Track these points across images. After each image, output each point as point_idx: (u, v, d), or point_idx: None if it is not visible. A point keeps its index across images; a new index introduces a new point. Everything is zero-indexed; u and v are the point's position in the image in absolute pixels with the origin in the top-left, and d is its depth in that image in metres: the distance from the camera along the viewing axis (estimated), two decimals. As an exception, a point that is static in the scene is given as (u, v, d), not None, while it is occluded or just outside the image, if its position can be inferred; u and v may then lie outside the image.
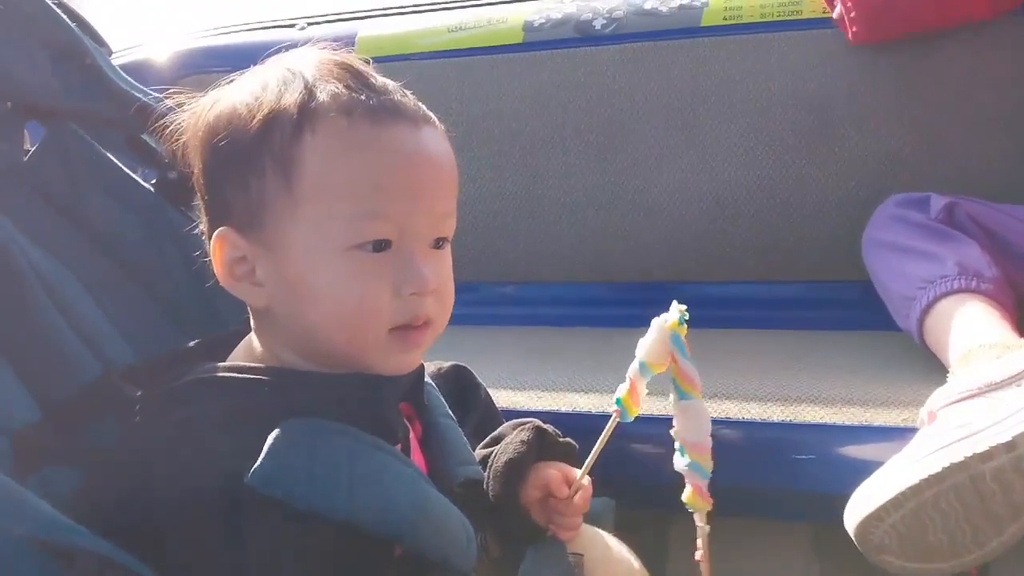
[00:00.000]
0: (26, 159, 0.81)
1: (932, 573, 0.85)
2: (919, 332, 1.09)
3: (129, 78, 0.85)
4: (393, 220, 0.62)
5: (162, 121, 0.69)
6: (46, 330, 0.69)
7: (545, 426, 0.80)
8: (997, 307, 1.03)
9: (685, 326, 0.69)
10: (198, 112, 0.66)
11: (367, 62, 0.67)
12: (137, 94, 0.84)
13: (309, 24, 1.61)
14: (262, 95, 0.63)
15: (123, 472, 0.63)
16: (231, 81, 0.67)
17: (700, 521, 0.71)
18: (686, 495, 0.70)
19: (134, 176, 0.85)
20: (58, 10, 0.81)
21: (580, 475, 0.76)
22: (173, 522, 0.58)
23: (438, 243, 0.66)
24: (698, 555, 0.71)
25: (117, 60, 0.87)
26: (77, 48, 0.81)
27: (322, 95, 0.62)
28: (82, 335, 0.71)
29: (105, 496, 0.62)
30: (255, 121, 0.62)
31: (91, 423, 0.67)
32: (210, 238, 0.65)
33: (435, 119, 0.67)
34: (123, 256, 0.81)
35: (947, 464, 0.80)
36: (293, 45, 0.69)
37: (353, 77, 0.64)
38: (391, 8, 1.62)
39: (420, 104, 0.66)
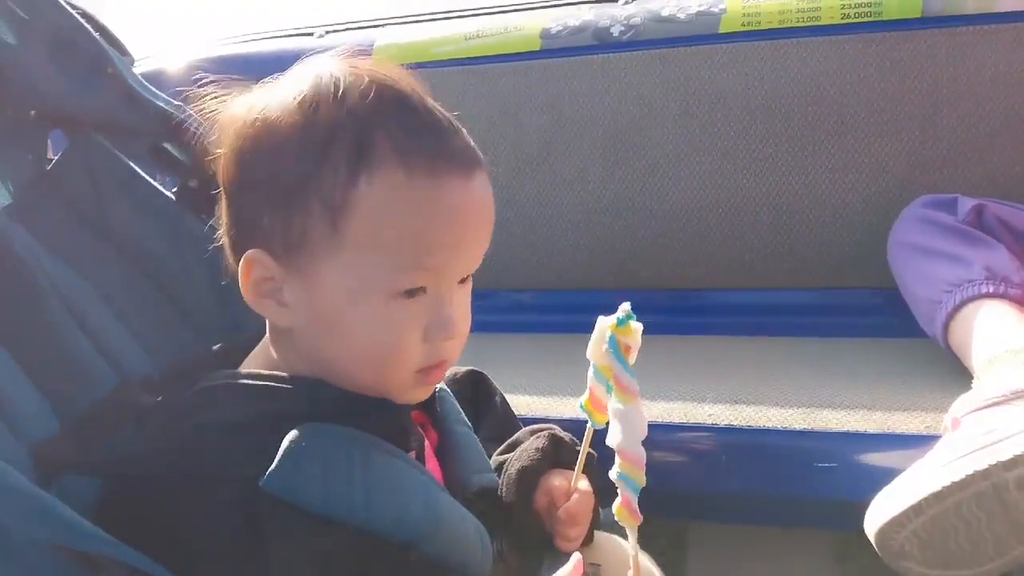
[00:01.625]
0: (48, 168, 0.82)
1: (954, 581, 0.84)
2: (944, 336, 1.08)
3: (151, 87, 0.86)
4: (433, 270, 0.62)
5: (192, 125, 0.68)
6: (63, 342, 0.70)
7: (562, 434, 0.80)
8: (1024, 313, 1.02)
9: (631, 328, 0.63)
10: (235, 123, 0.63)
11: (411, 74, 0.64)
12: (160, 103, 0.85)
13: (327, 32, 1.62)
14: (310, 125, 0.60)
15: (141, 479, 0.63)
16: (264, 85, 0.64)
17: (632, 537, 0.65)
18: (615, 506, 0.66)
19: (156, 185, 0.85)
20: (81, 19, 0.82)
21: (571, 487, 0.75)
22: (192, 528, 0.59)
23: (464, 278, 0.66)
24: (629, 574, 0.66)
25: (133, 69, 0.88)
26: (100, 57, 0.82)
27: (379, 137, 0.59)
28: (100, 347, 0.72)
29: (124, 504, 0.62)
30: (304, 154, 0.60)
31: (110, 435, 0.67)
32: (232, 246, 0.65)
33: (480, 155, 0.64)
34: (145, 265, 0.81)
35: (970, 471, 0.79)
36: (312, 54, 0.65)
37: (409, 112, 0.61)
38: (408, 16, 1.62)
39: (468, 139, 0.64)
